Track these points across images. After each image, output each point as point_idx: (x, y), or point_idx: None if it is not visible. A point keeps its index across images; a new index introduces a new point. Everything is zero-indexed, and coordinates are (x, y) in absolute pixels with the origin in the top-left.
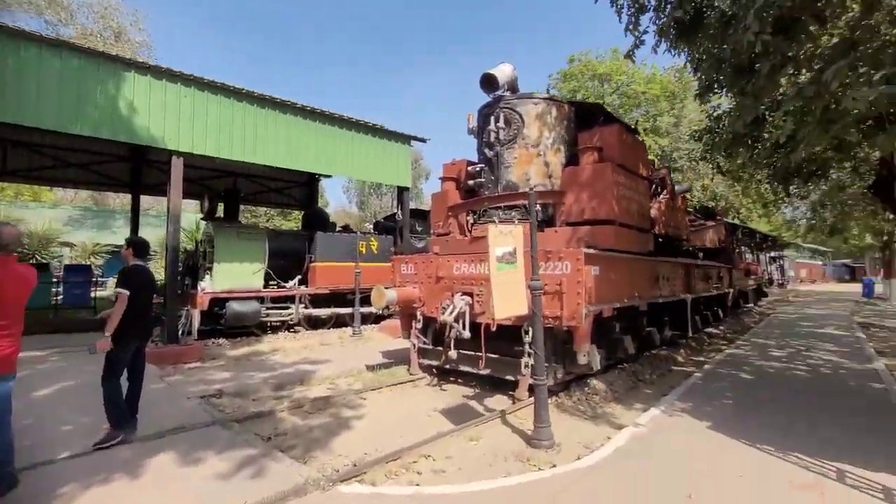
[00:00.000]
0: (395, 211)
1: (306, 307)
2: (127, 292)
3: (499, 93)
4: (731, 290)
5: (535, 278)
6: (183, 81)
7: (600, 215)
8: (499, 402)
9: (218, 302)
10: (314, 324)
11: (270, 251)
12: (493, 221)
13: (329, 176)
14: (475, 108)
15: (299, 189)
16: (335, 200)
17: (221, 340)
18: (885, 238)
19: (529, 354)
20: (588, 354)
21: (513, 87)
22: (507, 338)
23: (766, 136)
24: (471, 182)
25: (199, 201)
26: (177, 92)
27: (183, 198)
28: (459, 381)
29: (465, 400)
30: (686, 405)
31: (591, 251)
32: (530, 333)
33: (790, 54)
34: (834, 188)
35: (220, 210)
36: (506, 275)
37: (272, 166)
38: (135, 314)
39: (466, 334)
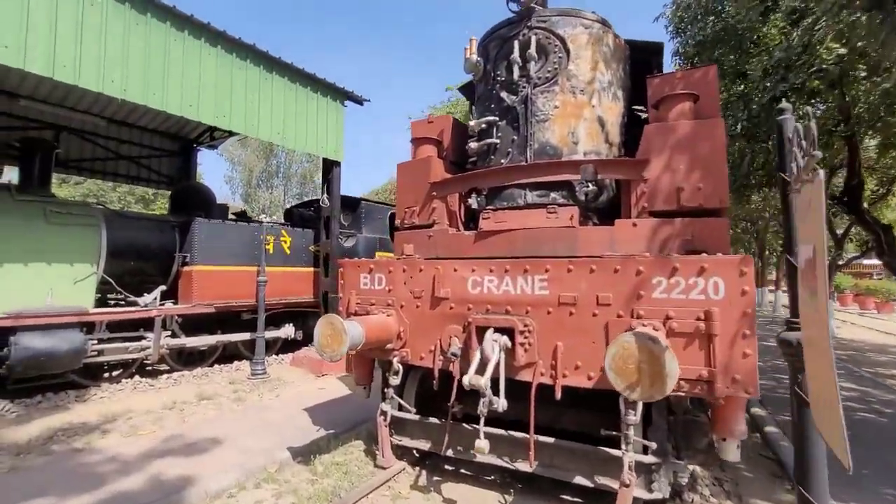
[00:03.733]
0: (320, 196)
1: (174, 335)
2: None
3: (530, 4)
4: None
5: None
6: None
7: (710, 201)
8: None
9: None
10: (188, 360)
11: (112, 247)
12: (518, 206)
13: (213, 143)
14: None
15: (168, 161)
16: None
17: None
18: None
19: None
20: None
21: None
22: (573, 403)
23: None
24: (473, 145)
25: None
26: None
27: None
28: (464, 471)
29: None
30: None
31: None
32: (638, 405)
33: None
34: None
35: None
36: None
37: (135, 107)
38: None
39: (502, 405)
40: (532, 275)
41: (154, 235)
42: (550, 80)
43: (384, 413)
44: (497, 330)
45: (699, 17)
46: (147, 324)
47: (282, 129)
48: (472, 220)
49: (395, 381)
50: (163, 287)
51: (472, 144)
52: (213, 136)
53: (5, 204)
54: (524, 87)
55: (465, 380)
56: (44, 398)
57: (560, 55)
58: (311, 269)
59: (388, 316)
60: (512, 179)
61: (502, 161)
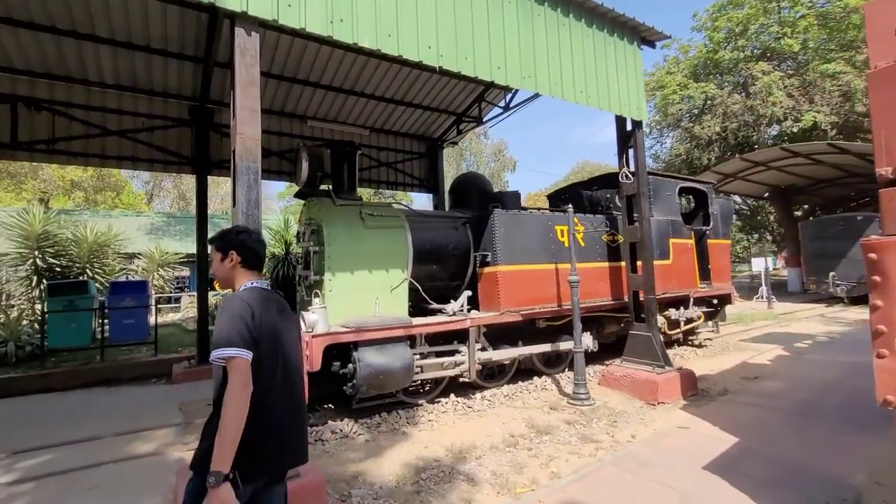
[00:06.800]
0: (618, 170)
1: (483, 348)
2: (244, 356)
3: None
4: None
5: None
6: None
7: None
8: None
9: (337, 350)
10: (488, 375)
11: (415, 248)
12: None
13: (455, 140)
14: None
15: (419, 163)
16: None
17: (345, 425)
18: None
19: None
20: None
21: None
22: None
23: None
24: None
25: (293, 173)
26: None
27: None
28: None
29: None
30: None
31: None
32: None
33: None
34: None
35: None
36: None
37: (391, 112)
38: (264, 407)
39: None
40: None
41: (450, 234)
42: None
43: None
44: None
45: None
46: (458, 336)
47: (584, 86)
48: None
49: None
50: (468, 292)
51: None
52: (459, 129)
53: (330, 210)
54: None
55: None
56: (382, 420)
57: None
58: (607, 263)
59: None
60: None
61: None
